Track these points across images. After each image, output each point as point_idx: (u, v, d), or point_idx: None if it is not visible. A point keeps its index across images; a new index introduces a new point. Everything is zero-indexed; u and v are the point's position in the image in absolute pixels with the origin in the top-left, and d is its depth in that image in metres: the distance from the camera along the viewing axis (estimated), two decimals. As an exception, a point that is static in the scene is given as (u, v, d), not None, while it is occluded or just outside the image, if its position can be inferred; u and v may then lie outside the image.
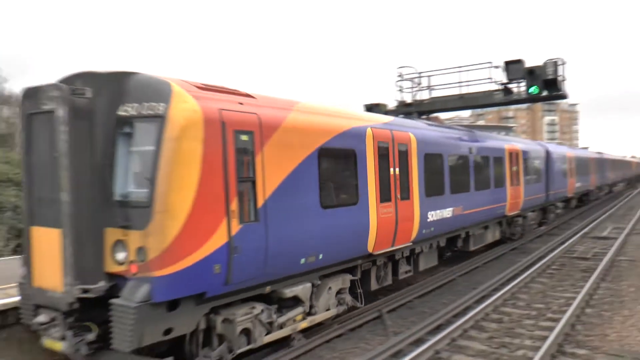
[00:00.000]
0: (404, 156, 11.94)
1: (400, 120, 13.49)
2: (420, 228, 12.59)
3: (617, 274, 16.05)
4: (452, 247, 16.22)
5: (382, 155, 11.13)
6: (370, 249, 10.71)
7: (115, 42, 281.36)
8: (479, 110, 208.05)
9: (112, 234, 7.11)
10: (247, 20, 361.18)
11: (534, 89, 19.70)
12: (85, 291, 6.98)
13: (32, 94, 7.29)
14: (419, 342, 9.70)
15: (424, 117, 23.86)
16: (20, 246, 8.69)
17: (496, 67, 20.74)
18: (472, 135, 18.58)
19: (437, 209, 13.54)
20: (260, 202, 7.93)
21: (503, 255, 19.68)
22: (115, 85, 7.35)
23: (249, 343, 8.28)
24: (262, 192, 7.98)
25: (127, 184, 7.21)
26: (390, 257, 12.19)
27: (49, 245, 7.13)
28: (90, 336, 7.24)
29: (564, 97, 20.77)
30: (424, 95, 23.14)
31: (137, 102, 7.16)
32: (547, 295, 13.40)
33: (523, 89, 20.21)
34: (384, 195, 11.07)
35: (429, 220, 13.02)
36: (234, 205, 7.50)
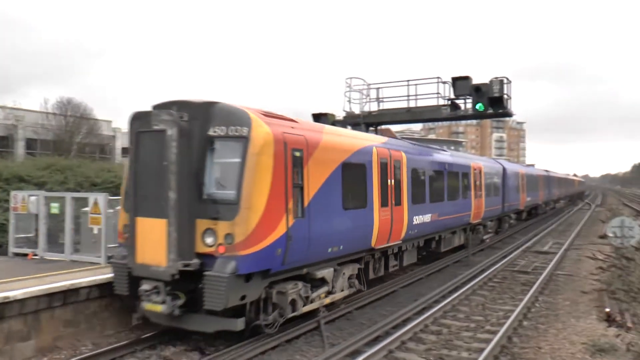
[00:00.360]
0: (397, 170, 14.72)
1: (393, 140, 16.54)
2: (407, 229, 15.23)
3: (554, 287, 16.39)
4: (427, 248, 18.76)
5: (382, 169, 13.80)
6: (373, 244, 13.24)
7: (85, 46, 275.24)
8: (429, 124, 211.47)
9: (202, 224, 9.34)
10: (197, 24, 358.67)
11: (480, 106, 20.01)
12: (186, 265, 9.18)
13: (142, 116, 9.59)
14: (355, 353, 9.58)
15: (372, 128, 24.01)
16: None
17: (444, 82, 21.04)
18: (445, 153, 21.78)
19: (420, 214, 16.27)
20: (305, 203, 10.31)
21: (446, 267, 19.87)
22: (204, 111, 9.68)
23: (293, 311, 10.58)
24: (307, 195, 10.38)
25: (216, 186, 9.52)
26: (384, 252, 14.62)
27: (153, 231, 9.26)
28: (180, 302, 9.50)
29: (509, 115, 21.21)
30: (372, 107, 23.30)
31: (224, 126, 9.54)
32: (487, 307, 13.54)
33: (470, 105, 20.54)
34: (384, 201, 13.68)
35: (414, 223, 15.70)
36: (291, 205, 9.84)
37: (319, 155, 10.86)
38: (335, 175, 11.44)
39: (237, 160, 9.34)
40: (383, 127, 25.57)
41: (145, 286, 9.59)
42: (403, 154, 15.42)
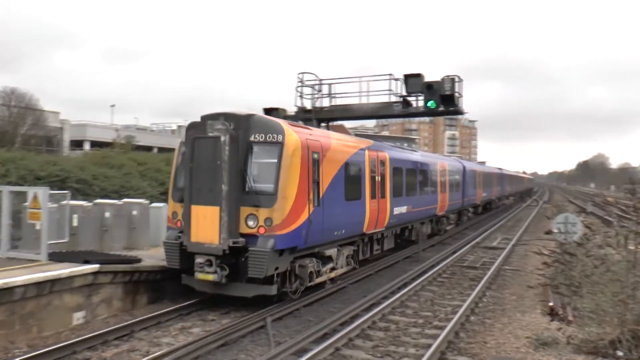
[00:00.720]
0: (383, 168, 17.98)
1: (378, 142, 20.60)
2: (389, 218, 18.43)
3: (502, 282, 16.66)
4: (402, 236, 21.75)
5: (372, 167, 17.00)
6: (364, 229, 16.27)
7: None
8: (383, 121, 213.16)
9: (245, 211, 12.04)
10: (143, 12, 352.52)
11: (431, 104, 20.09)
12: (235, 243, 11.75)
13: (197, 125, 12.34)
14: (301, 351, 9.45)
15: (323, 124, 23.92)
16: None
17: (396, 79, 21.08)
18: (417, 153, 25.17)
19: (399, 206, 19.48)
20: (321, 195, 13.23)
21: (396, 263, 19.98)
22: (245, 121, 12.48)
23: (310, 282, 13.40)
24: (322, 189, 13.28)
25: (256, 180, 12.22)
26: (370, 237, 17.63)
27: (207, 216, 11.88)
28: (226, 272, 12.04)
29: (460, 112, 21.38)
30: (324, 103, 23.23)
31: (262, 133, 12.40)
32: (436, 303, 13.64)
33: (421, 102, 20.61)
34: (372, 194, 16.77)
35: (394, 213, 18.88)
36: (311, 196, 12.74)
37: (329, 156, 13.99)
38: (340, 172, 14.51)
39: (274, 160, 12.23)
40: (336, 123, 25.64)
41: (199, 260, 12.16)
42: (387, 155, 18.96)
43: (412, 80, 20.45)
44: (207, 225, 12.01)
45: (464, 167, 33.68)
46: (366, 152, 16.95)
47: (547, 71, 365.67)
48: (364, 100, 22.18)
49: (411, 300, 13.82)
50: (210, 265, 12.09)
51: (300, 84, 22.81)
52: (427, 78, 20.49)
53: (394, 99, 21.36)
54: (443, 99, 20.00)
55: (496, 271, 18.09)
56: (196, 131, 12.34)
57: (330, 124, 28.61)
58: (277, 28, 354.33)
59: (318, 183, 13.19)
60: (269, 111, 22.59)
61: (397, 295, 13.59)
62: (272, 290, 12.15)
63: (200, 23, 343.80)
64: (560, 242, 17.13)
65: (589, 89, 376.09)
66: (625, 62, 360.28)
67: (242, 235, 12.04)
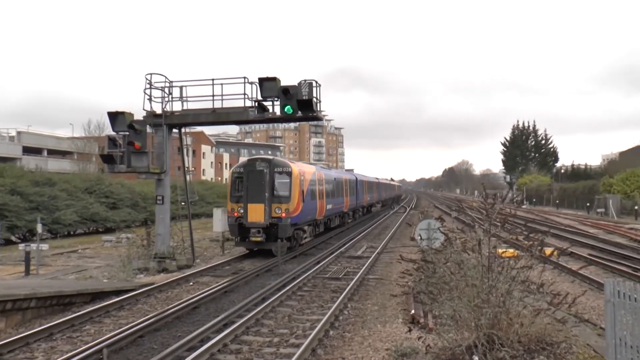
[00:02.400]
0: (321, 182, 31.55)
1: (319, 168, 36.07)
2: (325, 212, 32.19)
3: (364, 292, 16.84)
4: (328, 225, 35.34)
5: (319, 181, 30.88)
6: (317, 217, 30.11)
7: None
8: (246, 128, 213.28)
9: (274, 206, 24.66)
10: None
11: (288, 109, 20.08)
12: (272, 221, 24.54)
13: (250, 163, 25.68)
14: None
15: (175, 130, 23.11)
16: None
17: (251, 83, 20.85)
18: (332, 172, 40.35)
19: (329, 204, 33.36)
20: (304, 196, 26.61)
21: (255, 278, 19.65)
22: (271, 161, 25.70)
23: (302, 241, 28.25)
24: (304, 194, 26.72)
25: (279, 191, 25.06)
26: (317, 223, 31.44)
27: (257, 208, 24.47)
28: (265, 236, 24.68)
29: (318, 118, 21.54)
30: (175, 107, 22.50)
31: (280, 167, 25.48)
32: (294, 319, 13.42)
33: (278, 108, 20.53)
34: (320, 197, 30.48)
35: (327, 208, 32.79)
36: (302, 198, 26.23)
37: (307, 178, 27.73)
38: (310, 185, 28.24)
39: (287, 180, 25.28)
40: (196, 129, 25.54)
41: (253, 230, 24.47)
42: (322, 174, 33.12)
43: (268, 84, 20.31)
44: (257, 213, 24.53)
45: (357, 178, 48.46)
46: (317, 172, 31.55)
47: (405, 82, 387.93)
48: (217, 105, 21.75)
49: (267, 318, 13.50)
50: (259, 232, 24.50)
51: (148, 86, 21.93)
52: (284, 83, 20.47)
53: (249, 103, 21.14)
54: (301, 104, 20.04)
55: (359, 281, 18.29)
56: (250, 167, 25.21)
57: (188, 129, 27.90)
58: (126, 27, 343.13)
59: (303, 191, 26.61)
60: (113, 116, 21.49)
61: (252, 313, 13.19)
62: (289, 244, 25.33)
63: (38, 22, 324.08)
64: (423, 249, 17.63)
65: (444, 98, 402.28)
66: (471, 81, 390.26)
67: (274, 218, 24.63)
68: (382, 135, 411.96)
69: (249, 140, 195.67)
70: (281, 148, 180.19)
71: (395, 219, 52.48)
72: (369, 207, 58.95)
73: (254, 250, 26.47)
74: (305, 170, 28.85)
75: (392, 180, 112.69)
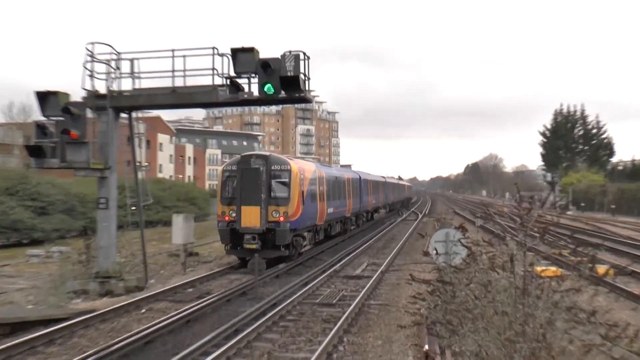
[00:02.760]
0: (322, 182, 34.72)
1: (320, 165, 42.19)
2: (326, 216, 35.22)
3: (364, 323, 16.80)
4: (333, 230, 39.24)
5: (320, 181, 34.51)
6: (317, 222, 33.51)
7: None
8: (215, 112, 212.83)
9: (271, 209, 27.39)
10: None
11: (268, 88, 19.92)
12: (269, 226, 27.20)
13: (244, 160, 28.27)
14: None
15: (124, 114, 22.89)
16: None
17: (221, 55, 20.66)
18: (333, 170, 43.84)
19: (330, 208, 36.16)
20: (304, 198, 29.69)
21: (227, 302, 19.59)
22: (268, 158, 28.54)
23: (302, 249, 31.09)
24: (303, 195, 29.66)
25: (276, 191, 27.84)
26: (321, 227, 35.38)
27: (251, 212, 27.00)
28: (260, 243, 27.10)
29: (306, 100, 21.42)
30: (124, 86, 22.27)
31: (278, 165, 28.31)
32: (275, 357, 13.32)
33: (256, 86, 20.36)
34: (321, 198, 33.87)
35: (328, 213, 35.52)
36: (302, 200, 29.32)
37: (307, 176, 30.87)
38: (311, 185, 31.41)
39: (286, 180, 28.01)
40: (151, 114, 25.32)
41: (247, 237, 26.62)
42: (323, 173, 36.29)
43: (243, 57, 20.16)
44: (251, 216, 26.81)
45: (360, 178, 50.38)
46: (318, 171, 34.83)
47: (412, 58, 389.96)
48: (179, 83, 21.56)
49: (241, 356, 13.45)
50: (254, 239, 26.64)
51: (89, 59, 21.69)
52: (265, 56, 20.29)
53: (219, 81, 20.96)
54: (284, 82, 19.89)
55: (358, 308, 18.24)
56: (244, 164, 27.69)
57: (141, 114, 27.65)
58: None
59: (303, 192, 29.55)
60: (43, 97, 21.30)
61: (221, 350, 13.11)
62: (287, 253, 28.14)
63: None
64: (439, 266, 17.51)
65: (463, 75, 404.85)
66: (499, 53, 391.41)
67: (270, 222, 27.06)
68: (386, 122, 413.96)
69: (218, 128, 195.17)
70: (259, 138, 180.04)
71: (403, 228, 52.61)
72: (373, 213, 61.50)
73: (232, 267, 27.91)
74: (305, 168, 31.68)
75: (400, 179, 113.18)
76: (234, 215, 27.11)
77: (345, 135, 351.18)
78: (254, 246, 26.50)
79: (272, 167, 27.77)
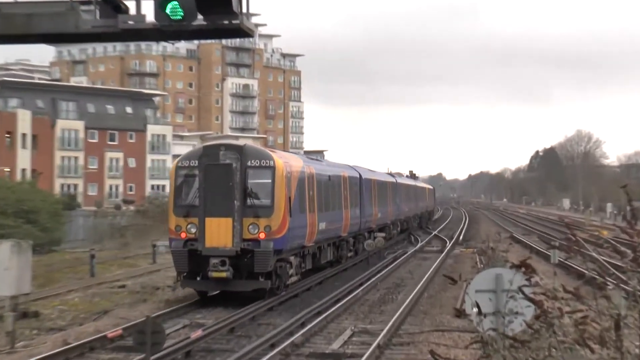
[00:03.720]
0: (311, 184, 45.19)
1: (308, 159, 54.18)
2: (317, 234, 45.39)
3: None
4: (323, 256, 48.53)
5: (310, 181, 45.24)
6: (306, 242, 43.57)
7: None
8: (77, 51, 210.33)
9: (248, 221, 36.52)
10: None
11: (173, 8, 19.94)
12: (245, 245, 36.96)
13: (208, 152, 37.97)
14: None
15: None
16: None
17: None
18: (324, 165, 55.01)
19: (322, 222, 45.85)
20: (291, 206, 39.24)
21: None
22: (242, 150, 38.08)
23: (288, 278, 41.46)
24: (290, 203, 38.88)
25: (255, 198, 37.50)
26: (309, 251, 45.66)
27: (220, 226, 36.27)
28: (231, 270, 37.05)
29: (242, 32, 21.48)
30: None
31: (257, 159, 37.86)
32: None
33: (150, 4, 20.41)
34: (310, 208, 44.41)
35: (319, 229, 45.82)
36: (289, 209, 38.51)
37: (295, 176, 40.90)
38: (299, 188, 41.48)
39: (269, 181, 37.08)
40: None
41: (215, 261, 33.61)
42: (313, 169, 44.87)
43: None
44: (220, 233, 32.91)
45: (360, 177, 58.05)
46: (307, 168, 42.47)
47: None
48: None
49: None
50: (224, 265, 31.97)
51: None
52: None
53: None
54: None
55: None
56: (208, 159, 33.34)
57: None
58: None
59: (290, 199, 37.68)
60: None
61: None
62: (269, 284, 33.85)
63: None
64: (484, 337, 17.32)
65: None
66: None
67: (246, 240, 33.63)
68: (389, 75, 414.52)
69: (78, 81, 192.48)
70: (156, 101, 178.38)
71: (419, 266, 53.01)
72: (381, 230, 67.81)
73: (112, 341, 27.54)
74: (292, 163, 38.48)
75: (413, 177, 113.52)
76: (194, 231, 30.91)
77: (314, 98, 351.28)
78: (223, 274, 31.34)
79: (249, 163, 32.96)
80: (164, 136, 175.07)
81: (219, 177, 31.35)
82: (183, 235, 30.99)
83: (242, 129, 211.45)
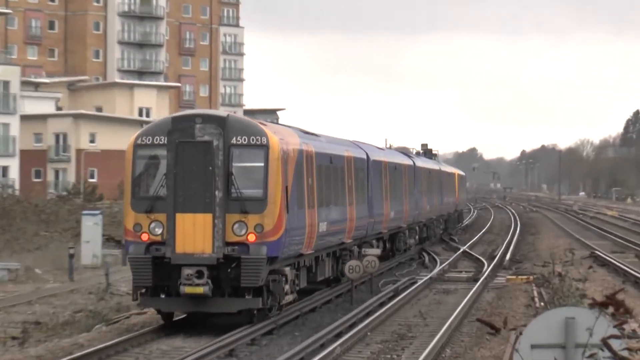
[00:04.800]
0: (310, 168, 39.24)
1: (301, 132, 41.87)
2: (316, 238, 40.14)
3: None
4: (321, 271, 43.48)
5: (308, 165, 39.54)
6: (304, 249, 37.81)
7: None
8: None
9: (233, 218, 30.94)
10: None
11: None
12: (228, 251, 31.34)
13: (180, 125, 31.27)
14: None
15: None
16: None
17: None
18: (323, 141, 45.01)
19: (322, 223, 40.24)
20: (288, 198, 33.90)
21: None
22: (224, 121, 31.68)
23: (284, 296, 35.89)
24: (287, 193, 33.66)
25: (242, 187, 31.58)
26: (305, 260, 40.34)
27: (195, 224, 30.46)
28: (210, 284, 30.80)
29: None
30: None
31: (245, 135, 31.66)
32: None
33: None
34: (310, 202, 38.73)
35: (319, 232, 40.37)
36: (286, 202, 33.33)
37: (292, 156, 35.24)
38: (296, 175, 35.71)
39: (261, 165, 31.67)
40: None
41: (188, 272, 28.65)
42: (312, 148, 38.55)
43: None
44: (197, 234, 28.54)
45: (368, 157, 50.50)
46: (302, 144, 36.31)
47: None
48: None
49: None
50: (200, 276, 28.26)
51: None
52: None
53: None
54: None
55: None
56: (181, 135, 28.17)
57: None
58: None
59: (287, 188, 32.77)
60: None
61: None
62: (260, 303, 29.27)
63: None
64: None
65: None
66: None
67: (231, 244, 29.39)
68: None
69: None
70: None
71: (438, 303, 47.30)
72: (391, 238, 60.74)
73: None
74: (288, 139, 33.72)
75: (430, 155, 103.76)
76: (159, 231, 28.10)
77: (260, 20, 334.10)
78: (200, 290, 27.59)
79: (235, 140, 28.82)
80: (6, 83, 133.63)
81: (194, 160, 27.28)
82: (144, 237, 27.24)
83: (140, 73, 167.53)
